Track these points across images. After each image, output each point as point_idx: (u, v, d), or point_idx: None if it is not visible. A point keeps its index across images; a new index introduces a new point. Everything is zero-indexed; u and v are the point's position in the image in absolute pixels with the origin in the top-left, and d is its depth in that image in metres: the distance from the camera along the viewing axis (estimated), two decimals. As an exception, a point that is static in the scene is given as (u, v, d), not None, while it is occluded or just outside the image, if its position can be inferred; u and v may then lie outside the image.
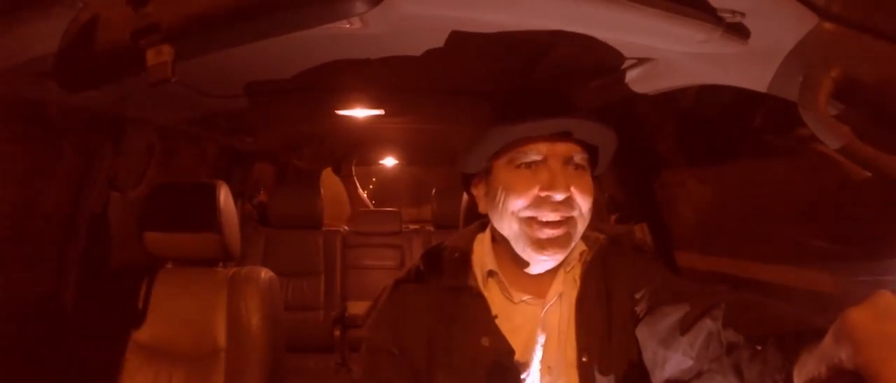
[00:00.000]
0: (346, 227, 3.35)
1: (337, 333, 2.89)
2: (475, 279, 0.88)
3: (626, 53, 0.93)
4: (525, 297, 0.86)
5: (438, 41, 0.93)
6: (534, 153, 0.80)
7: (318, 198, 3.07)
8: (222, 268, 1.56)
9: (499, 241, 0.89)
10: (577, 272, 0.88)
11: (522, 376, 0.82)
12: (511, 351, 0.82)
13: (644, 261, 0.92)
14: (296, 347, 2.54)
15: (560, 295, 0.87)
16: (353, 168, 4.90)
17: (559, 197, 0.78)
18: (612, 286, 0.87)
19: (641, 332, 0.82)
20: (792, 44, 0.67)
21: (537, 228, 0.80)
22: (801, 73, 0.66)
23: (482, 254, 0.90)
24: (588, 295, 0.86)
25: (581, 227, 0.82)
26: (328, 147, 3.85)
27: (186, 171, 2.20)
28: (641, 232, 1.47)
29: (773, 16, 0.66)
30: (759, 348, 0.61)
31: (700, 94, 1.11)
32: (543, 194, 0.78)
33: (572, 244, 0.82)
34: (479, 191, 0.90)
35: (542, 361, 0.84)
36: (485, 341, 0.82)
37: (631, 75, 0.99)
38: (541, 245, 0.80)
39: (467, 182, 0.92)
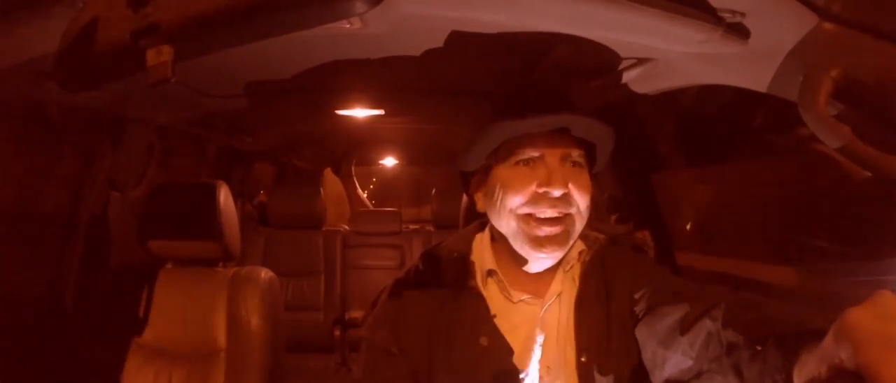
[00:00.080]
0: (346, 227, 3.35)
1: (337, 333, 2.90)
2: (474, 279, 0.88)
3: (626, 53, 0.93)
4: (524, 297, 0.87)
5: (438, 41, 0.93)
6: (531, 150, 0.81)
7: (318, 198, 3.07)
8: (222, 269, 1.55)
9: (498, 241, 0.89)
10: (577, 272, 0.88)
11: (521, 376, 0.82)
12: (510, 351, 0.82)
13: (643, 261, 0.92)
14: (296, 347, 2.54)
15: (559, 295, 0.87)
16: (353, 168, 4.90)
17: (557, 193, 0.78)
18: (612, 286, 0.87)
19: (641, 332, 0.82)
20: (792, 44, 0.67)
21: (535, 226, 0.80)
22: (801, 73, 0.66)
23: (481, 254, 0.90)
24: (587, 295, 0.86)
25: (579, 225, 0.82)
26: (328, 147, 3.85)
27: (186, 171, 2.20)
28: (643, 237, 1.47)
29: (773, 16, 0.66)
30: (759, 348, 0.61)
31: (700, 93, 1.11)
32: (541, 191, 0.79)
33: (570, 242, 0.83)
34: (477, 190, 0.90)
35: (541, 361, 0.84)
36: (484, 340, 0.82)
37: (631, 75, 0.99)
38: (539, 242, 0.80)
39: (466, 181, 0.93)
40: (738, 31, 0.70)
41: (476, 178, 0.90)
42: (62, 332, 1.40)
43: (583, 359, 0.82)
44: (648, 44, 0.79)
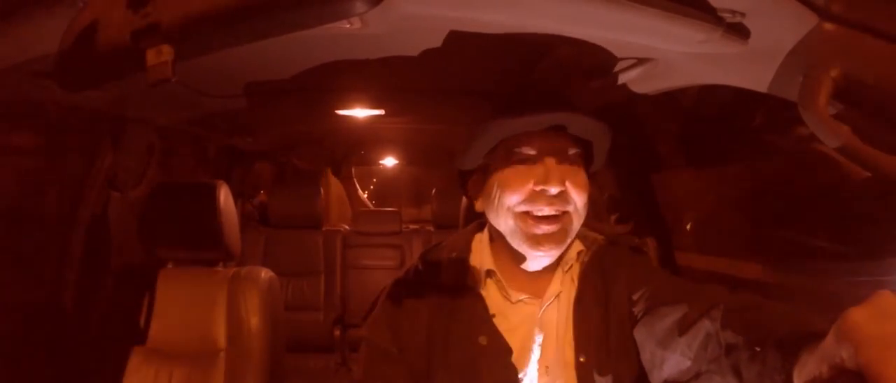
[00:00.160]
0: (345, 227, 3.35)
1: (337, 333, 2.90)
2: (473, 278, 0.88)
3: (626, 53, 0.93)
4: (523, 297, 0.87)
5: (438, 41, 0.93)
6: (528, 148, 0.81)
7: (317, 198, 3.07)
8: (222, 268, 1.55)
9: (496, 240, 0.89)
10: (575, 272, 0.88)
11: (520, 375, 0.83)
12: (509, 351, 0.82)
13: (642, 261, 0.92)
14: (296, 347, 2.54)
15: (558, 295, 0.87)
16: (353, 169, 4.90)
17: (554, 190, 0.78)
18: (610, 286, 0.87)
19: (639, 333, 0.82)
20: (792, 44, 0.67)
21: (532, 224, 0.80)
22: (801, 73, 0.66)
23: (480, 254, 0.90)
24: (586, 296, 0.86)
25: (576, 223, 0.83)
26: (328, 147, 3.85)
27: (186, 171, 2.20)
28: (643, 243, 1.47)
29: (773, 16, 0.66)
30: (758, 349, 0.61)
31: (700, 93, 1.11)
32: (538, 188, 0.79)
33: (568, 240, 0.83)
34: (475, 189, 0.90)
35: (540, 361, 0.84)
36: (483, 340, 0.82)
37: (631, 75, 0.99)
38: (536, 240, 0.80)
39: (464, 181, 0.93)
40: (738, 31, 0.69)
41: (474, 178, 0.90)
42: (62, 333, 1.40)
43: (581, 359, 0.82)
44: (648, 44, 0.79)
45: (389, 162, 5.67)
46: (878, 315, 0.42)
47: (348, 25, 0.84)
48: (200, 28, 0.49)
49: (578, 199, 0.81)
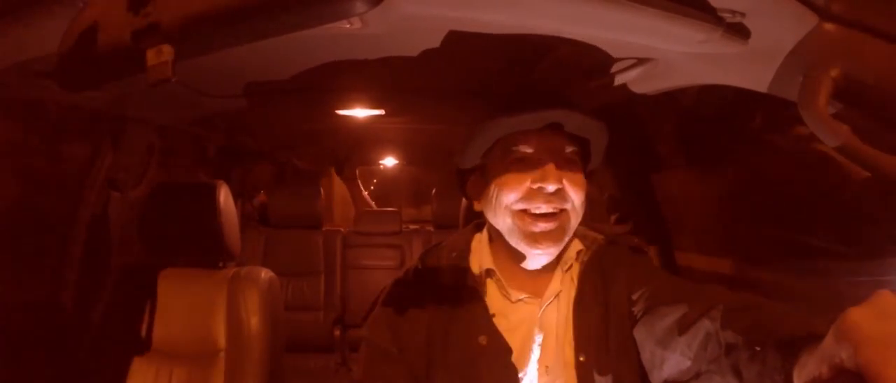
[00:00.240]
0: (343, 228, 3.35)
1: (337, 333, 2.90)
2: (473, 278, 0.88)
3: (626, 53, 0.93)
4: (522, 296, 0.87)
5: (438, 41, 0.93)
6: (525, 147, 0.81)
7: (317, 198, 3.08)
8: (222, 269, 1.55)
9: (496, 240, 0.89)
10: (575, 272, 0.88)
11: (520, 375, 0.83)
12: (509, 350, 0.82)
13: (642, 261, 0.92)
14: (296, 347, 2.54)
15: (557, 295, 0.87)
16: (357, 169, 4.91)
17: (551, 188, 0.78)
18: (610, 286, 0.87)
19: (639, 332, 0.82)
20: (792, 44, 0.67)
21: (530, 222, 0.80)
22: (801, 73, 0.66)
23: (480, 254, 0.90)
24: (585, 295, 0.86)
25: (574, 221, 0.83)
26: (329, 147, 3.85)
27: (186, 171, 2.20)
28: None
29: (773, 16, 0.66)
30: (758, 349, 0.61)
31: (700, 93, 1.11)
32: (535, 186, 0.79)
33: (566, 237, 0.83)
34: (473, 189, 0.90)
35: (540, 361, 0.84)
36: (483, 339, 0.82)
37: (631, 75, 0.99)
38: (534, 238, 0.80)
39: (462, 180, 0.93)
40: (738, 31, 0.69)
41: (472, 178, 0.90)
42: (62, 333, 1.40)
43: (581, 359, 0.82)
44: (648, 44, 0.79)
45: (389, 162, 5.67)
46: (877, 315, 0.42)
47: (348, 25, 0.84)
48: (200, 28, 0.49)
49: (576, 197, 0.81)
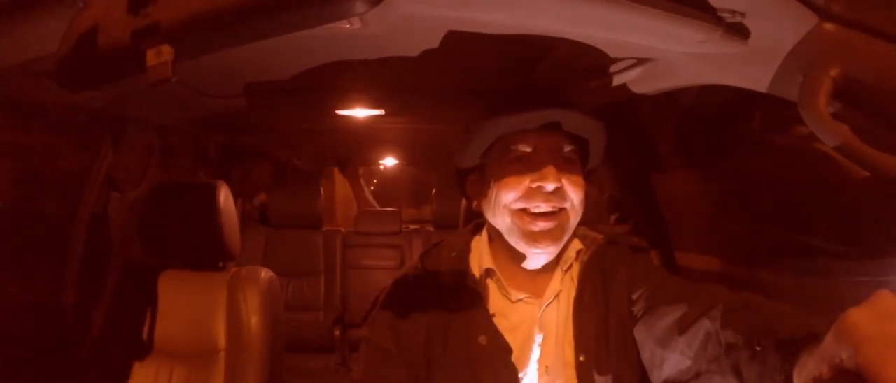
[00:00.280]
0: (343, 228, 3.35)
1: (337, 333, 2.90)
2: (473, 278, 0.88)
3: (626, 53, 0.93)
4: (522, 296, 0.87)
5: (438, 41, 0.93)
6: (524, 146, 0.81)
7: (317, 198, 3.07)
8: (222, 269, 1.55)
9: (495, 240, 0.89)
10: (575, 271, 0.89)
11: (520, 375, 0.83)
12: (509, 350, 0.82)
13: (642, 261, 0.92)
14: (296, 347, 2.54)
15: (557, 295, 0.87)
16: (361, 169, 4.92)
17: (550, 187, 0.79)
18: (610, 286, 0.87)
19: (639, 332, 0.82)
20: (792, 44, 0.67)
21: (529, 221, 0.80)
22: (801, 73, 0.66)
23: (480, 253, 0.90)
24: (585, 295, 0.86)
25: (573, 220, 0.83)
26: (329, 147, 3.85)
27: (186, 171, 2.20)
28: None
29: (773, 16, 0.66)
30: (758, 349, 0.61)
31: (700, 93, 1.11)
32: (534, 185, 0.79)
33: (565, 236, 0.83)
34: (472, 189, 0.90)
35: (540, 361, 0.84)
36: (483, 339, 0.82)
37: (631, 75, 0.99)
38: (533, 237, 0.80)
39: (462, 180, 0.93)
40: (738, 31, 0.69)
41: (472, 177, 0.90)
42: (62, 333, 1.40)
43: (581, 359, 0.82)
44: (648, 44, 0.79)
45: (389, 162, 5.67)
46: (877, 315, 0.42)
47: (348, 25, 0.84)
48: (200, 28, 0.49)
49: (575, 196, 0.81)
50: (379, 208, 4.68)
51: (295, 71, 1.21)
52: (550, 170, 0.79)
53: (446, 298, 0.87)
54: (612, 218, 1.66)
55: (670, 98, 1.04)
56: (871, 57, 0.61)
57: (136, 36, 0.50)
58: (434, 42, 0.94)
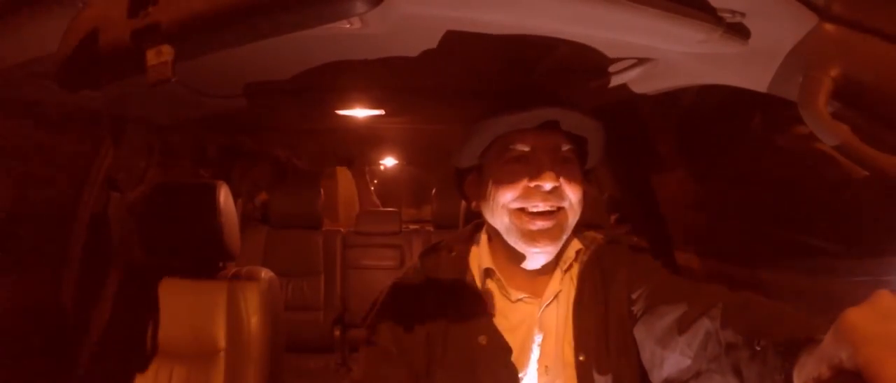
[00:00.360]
0: (343, 228, 3.35)
1: (337, 333, 2.90)
2: (473, 278, 0.88)
3: (626, 53, 0.93)
4: (522, 296, 0.87)
5: (438, 41, 0.93)
6: (522, 145, 0.81)
7: (317, 198, 3.07)
8: (222, 269, 1.55)
9: (495, 240, 0.89)
10: (575, 271, 0.89)
11: (520, 375, 0.83)
12: (509, 350, 0.82)
13: (641, 260, 0.92)
14: (296, 347, 2.54)
15: (557, 295, 0.87)
16: (366, 167, 4.93)
17: (548, 186, 0.79)
18: (610, 285, 0.87)
19: (639, 332, 0.82)
20: (792, 44, 0.67)
21: (528, 220, 0.80)
22: (801, 73, 0.66)
23: (479, 253, 0.90)
24: (585, 295, 0.86)
25: (572, 219, 0.83)
26: (329, 147, 3.85)
27: (186, 171, 2.20)
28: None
29: (773, 16, 0.66)
30: (758, 348, 0.61)
31: (700, 93, 1.11)
32: (532, 185, 0.79)
33: (563, 236, 0.83)
34: (471, 189, 0.90)
35: (540, 361, 0.84)
36: (482, 339, 0.82)
37: (631, 75, 0.99)
38: (532, 237, 0.80)
39: (460, 180, 0.93)
40: (738, 31, 0.69)
41: (470, 178, 0.91)
42: (61, 333, 1.40)
43: (581, 358, 0.82)
44: (648, 44, 0.79)
45: (389, 162, 5.67)
46: (876, 315, 0.42)
47: (348, 25, 0.83)
48: (200, 28, 0.49)
49: (573, 195, 0.81)
50: (381, 207, 4.68)
51: (295, 71, 1.21)
52: (548, 169, 0.79)
53: (446, 298, 0.87)
54: (612, 218, 1.66)
55: (670, 98, 1.04)
56: (871, 57, 0.61)
57: (136, 36, 0.50)
58: (434, 42, 0.94)
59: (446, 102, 1.62)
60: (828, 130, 0.62)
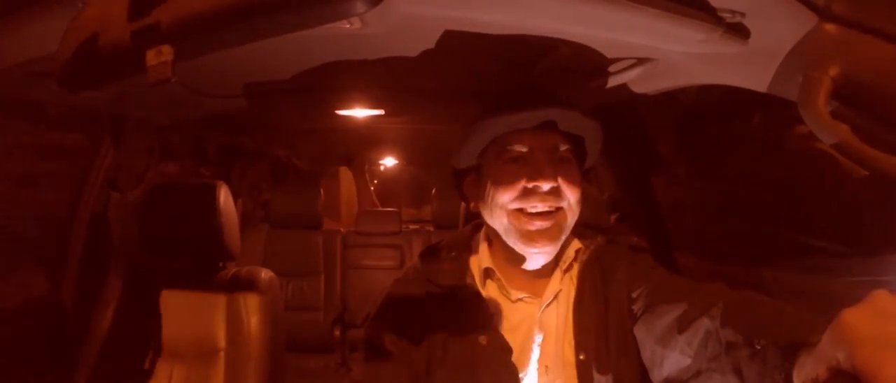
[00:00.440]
0: (343, 228, 3.35)
1: (337, 333, 2.90)
2: (473, 278, 0.88)
3: (626, 53, 0.93)
4: (522, 296, 0.87)
5: (438, 41, 0.93)
6: (520, 146, 0.81)
7: (317, 198, 3.08)
8: (222, 268, 1.56)
9: (494, 240, 0.89)
10: (575, 271, 0.88)
11: (520, 375, 0.83)
12: (509, 350, 0.82)
13: (641, 259, 0.92)
14: (296, 347, 2.54)
15: (557, 295, 0.87)
16: (367, 166, 4.92)
17: (546, 187, 0.79)
18: (610, 285, 0.87)
19: (639, 331, 0.82)
20: (792, 44, 0.67)
21: (526, 220, 0.80)
22: (801, 73, 0.66)
23: (479, 254, 0.90)
24: (585, 295, 0.86)
25: (570, 219, 0.83)
26: (329, 147, 3.85)
27: (186, 171, 2.20)
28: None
29: (773, 16, 0.66)
30: (758, 347, 0.61)
31: (700, 93, 1.11)
32: (530, 185, 0.79)
33: (562, 236, 0.83)
34: (470, 189, 0.90)
35: (540, 361, 0.84)
36: (483, 339, 0.82)
37: (631, 75, 0.99)
38: (531, 237, 0.80)
39: (459, 180, 0.93)
40: (738, 31, 0.69)
41: (469, 178, 0.90)
42: (61, 333, 1.40)
43: (581, 358, 0.82)
44: (648, 44, 0.79)
45: (389, 162, 5.67)
46: (872, 315, 0.42)
47: (348, 25, 0.83)
48: (200, 28, 0.49)
49: (571, 195, 0.81)
50: (380, 207, 4.68)
51: (295, 71, 1.21)
52: (546, 170, 0.79)
53: (446, 299, 0.87)
54: (612, 218, 1.66)
55: (670, 98, 1.04)
56: (871, 57, 0.61)
57: (136, 36, 0.50)
58: (434, 42, 0.94)
59: (446, 102, 1.62)
60: (827, 130, 0.62)
